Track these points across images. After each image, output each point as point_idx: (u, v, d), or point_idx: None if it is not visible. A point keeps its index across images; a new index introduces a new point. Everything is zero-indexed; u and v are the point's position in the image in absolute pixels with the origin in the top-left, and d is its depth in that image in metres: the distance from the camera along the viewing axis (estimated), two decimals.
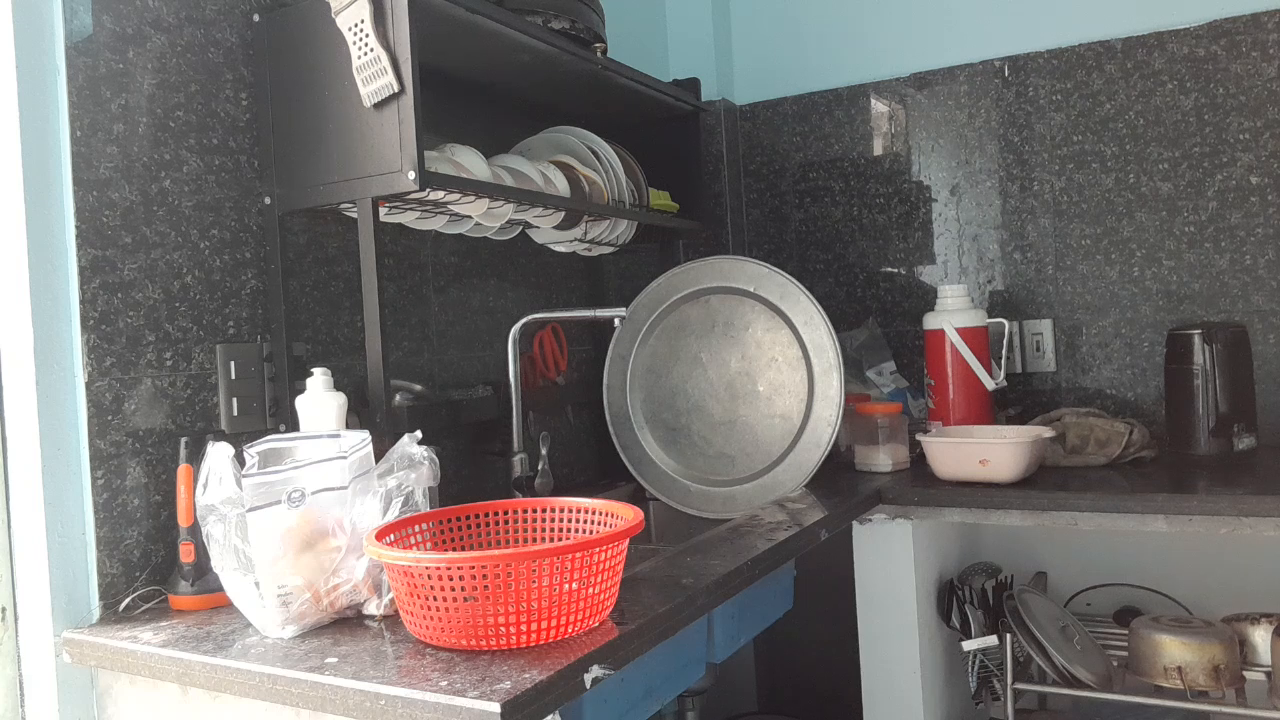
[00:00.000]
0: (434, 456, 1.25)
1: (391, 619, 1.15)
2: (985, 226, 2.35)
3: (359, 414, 1.46)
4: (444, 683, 0.92)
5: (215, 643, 1.10)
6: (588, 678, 0.98)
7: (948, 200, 2.39)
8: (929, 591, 1.89)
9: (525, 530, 1.26)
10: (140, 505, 1.29)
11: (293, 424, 1.40)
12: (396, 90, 1.32)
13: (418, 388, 1.67)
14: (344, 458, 1.16)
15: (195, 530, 1.20)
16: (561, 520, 1.25)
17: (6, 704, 1.24)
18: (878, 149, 2.47)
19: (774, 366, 1.94)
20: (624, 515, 1.15)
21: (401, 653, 1.03)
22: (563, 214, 1.82)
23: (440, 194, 1.51)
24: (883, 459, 1.96)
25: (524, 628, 1.01)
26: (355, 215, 1.40)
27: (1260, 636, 1.75)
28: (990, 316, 2.14)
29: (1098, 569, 2.18)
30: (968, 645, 1.85)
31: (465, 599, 0.99)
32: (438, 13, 1.44)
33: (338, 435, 1.23)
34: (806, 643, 2.30)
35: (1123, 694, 1.78)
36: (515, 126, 2.00)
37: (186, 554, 1.25)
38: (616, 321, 1.90)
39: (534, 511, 1.26)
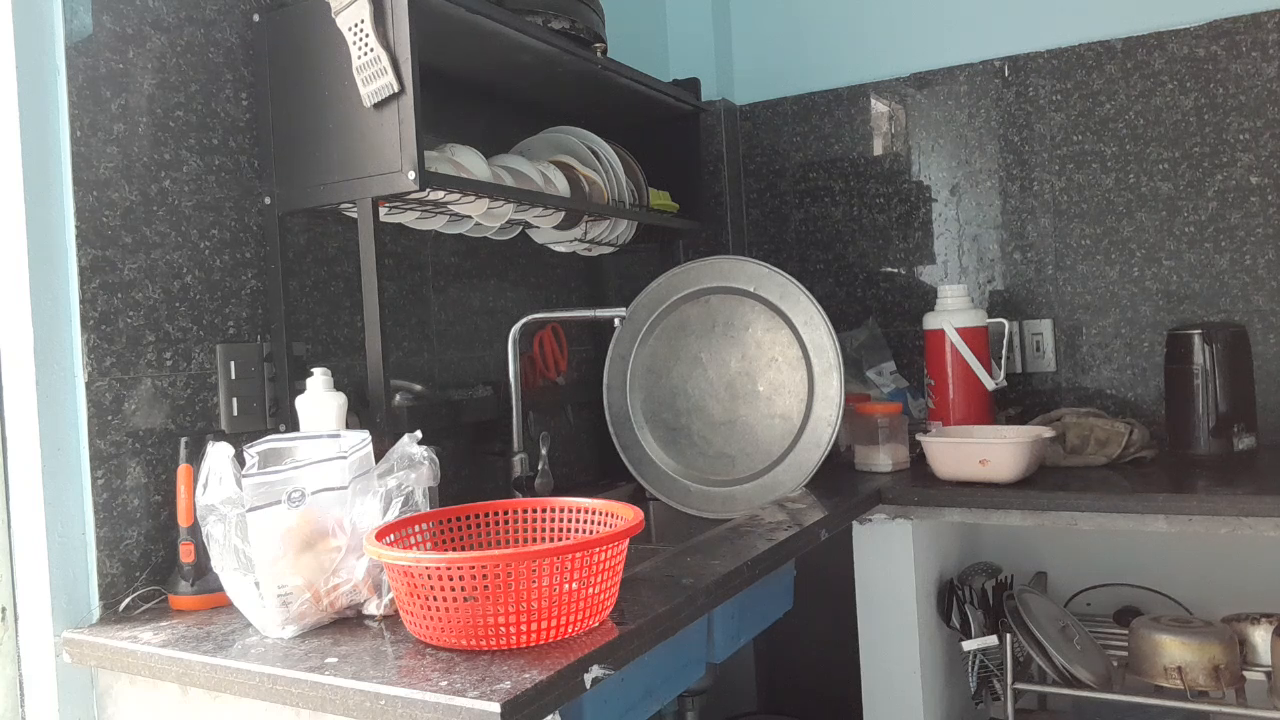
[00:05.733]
0: (434, 456, 1.25)
1: (391, 619, 1.15)
2: (985, 226, 2.35)
3: (359, 414, 1.46)
4: (444, 683, 0.92)
5: (215, 643, 1.10)
6: (588, 678, 0.98)
7: (948, 200, 2.39)
8: (929, 591, 1.89)
9: (525, 530, 1.26)
10: (140, 505, 1.29)
11: (293, 424, 1.40)
12: (396, 90, 1.32)
13: (418, 388, 1.67)
14: (344, 458, 1.16)
15: (195, 530, 1.20)
16: (561, 520, 1.25)
17: (6, 704, 1.24)
18: (878, 149, 2.47)
19: (774, 366, 1.94)
20: (624, 515, 1.15)
21: (401, 653, 1.03)
22: (563, 214, 1.82)
23: (440, 194, 1.51)
24: (883, 459, 1.96)
25: (524, 628, 1.01)
26: (355, 215, 1.40)
27: (1260, 636, 1.75)
28: (990, 316, 2.14)
29: (1098, 569, 2.18)
30: (968, 645, 1.85)
31: (465, 599, 0.99)
32: (438, 13, 1.44)
33: (338, 435, 1.23)
34: (806, 643, 2.30)
35: (1123, 694, 1.78)
36: (515, 126, 2.00)
37: (186, 554, 1.25)
38: (616, 321, 1.90)
39: (534, 511, 1.26)
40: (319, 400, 1.34)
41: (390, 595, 1.15)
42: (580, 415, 2.17)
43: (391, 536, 1.14)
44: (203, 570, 1.24)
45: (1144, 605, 2.10)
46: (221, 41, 1.44)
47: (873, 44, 2.47)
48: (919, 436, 1.90)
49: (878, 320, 2.45)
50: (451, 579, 0.99)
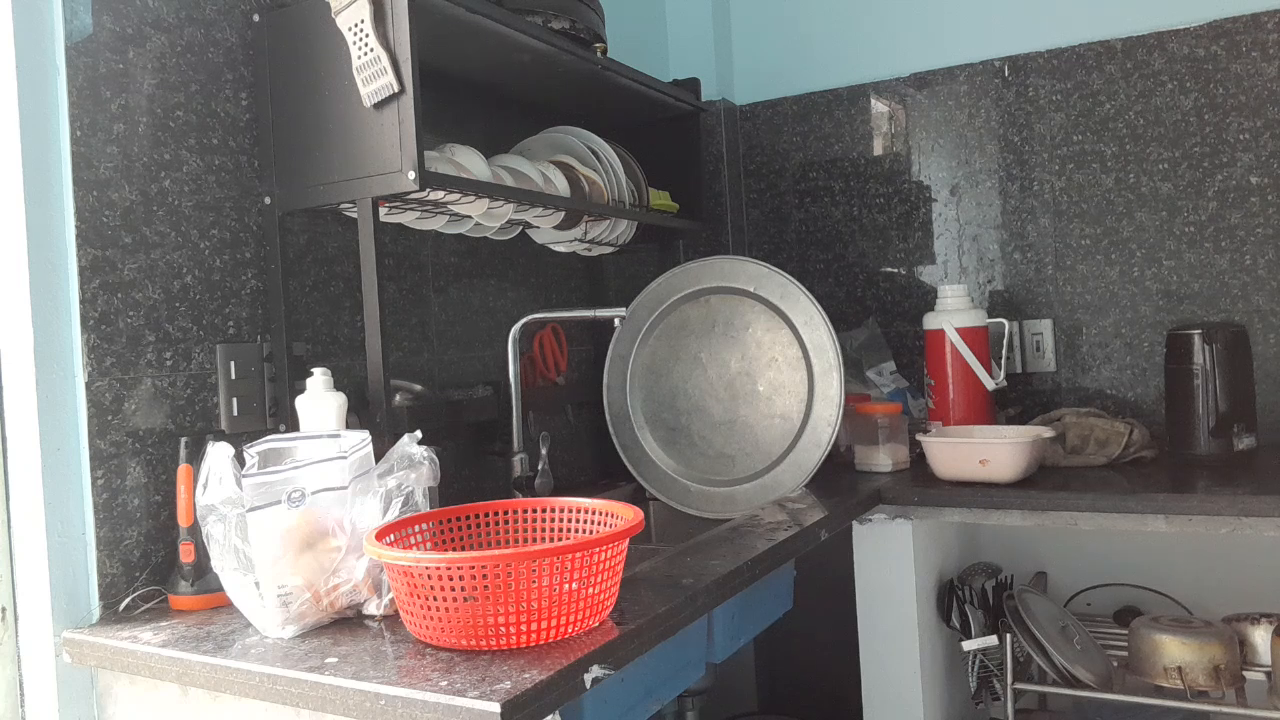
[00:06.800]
0: (434, 456, 1.25)
1: (391, 619, 1.15)
2: (985, 226, 2.35)
3: (359, 414, 1.46)
4: (444, 683, 0.92)
5: (215, 643, 1.10)
6: (588, 678, 0.98)
7: (948, 200, 2.39)
8: (929, 591, 1.89)
9: (525, 530, 1.26)
10: (140, 505, 1.29)
11: (293, 424, 1.40)
12: (396, 90, 1.32)
13: (418, 388, 1.67)
14: (344, 458, 1.16)
15: (195, 530, 1.20)
16: (561, 520, 1.25)
17: (6, 704, 1.24)
18: (878, 149, 2.47)
19: (774, 366, 1.94)
20: (624, 515, 1.15)
21: (401, 653, 1.03)
22: (563, 214, 1.82)
23: (440, 194, 1.51)
24: (883, 459, 1.96)
25: (524, 628, 1.01)
26: (355, 215, 1.40)
27: (1260, 636, 1.75)
28: (990, 316, 2.14)
29: (1098, 569, 2.18)
30: (968, 645, 1.85)
31: (465, 599, 0.99)
32: (438, 13, 1.44)
33: (338, 435, 1.23)
34: (806, 643, 2.30)
35: (1123, 694, 1.78)
36: (515, 126, 2.00)
37: (186, 554, 1.25)
38: (616, 321, 1.90)
39: (534, 511, 1.26)
40: (319, 400, 1.33)
41: (390, 595, 1.15)
42: (580, 415, 2.17)
43: (391, 536, 1.14)
44: (203, 570, 1.24)
45: (1144, 605, 2.10)
46: (221, 41, 1.44)
47: (873, 44, 2.47)
48: (919, 436, 1.90)
49: (878, 320, 2.45)
50: (451, 579, 0.99)
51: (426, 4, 1.39)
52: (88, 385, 1.24)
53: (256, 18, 1.47)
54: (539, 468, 1.80)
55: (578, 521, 1.23)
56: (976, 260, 2.36)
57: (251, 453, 1.17)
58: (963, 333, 2.07)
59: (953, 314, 2.09)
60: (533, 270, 2.08)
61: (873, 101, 2.47)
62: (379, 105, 1.35)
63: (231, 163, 1.44)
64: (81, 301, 1.24)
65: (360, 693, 0.94)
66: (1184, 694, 1.71)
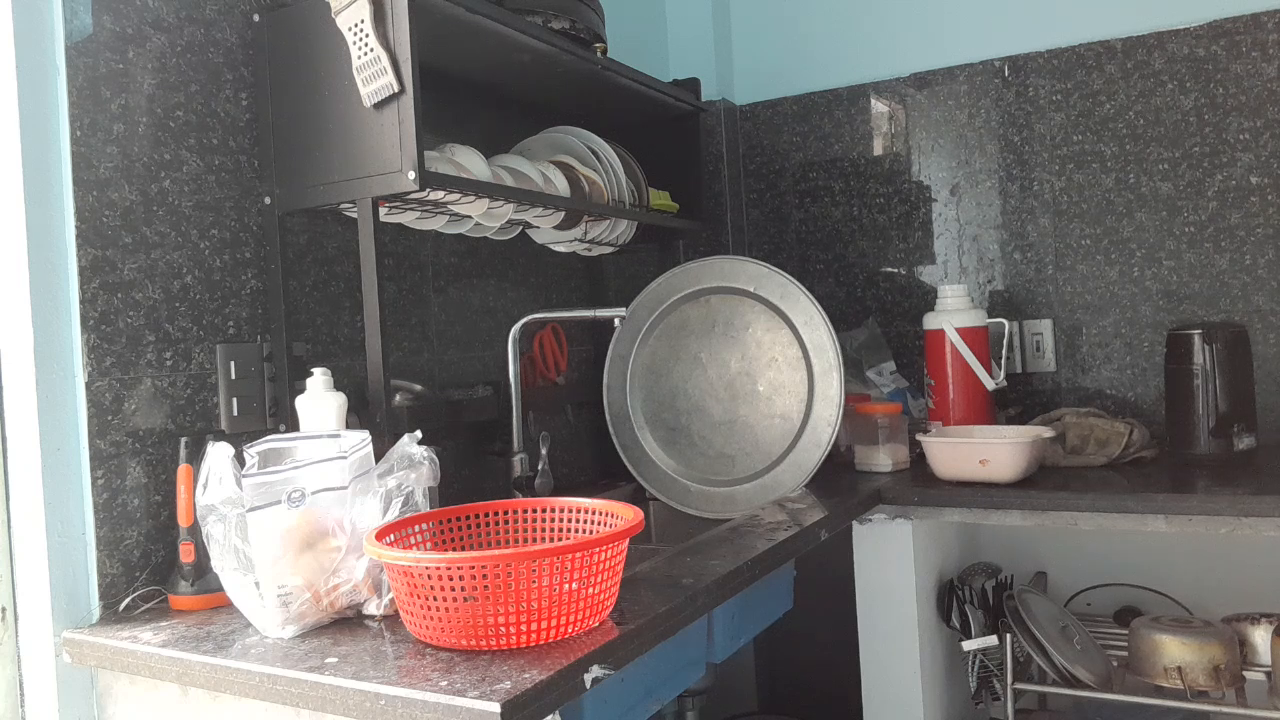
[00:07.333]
0: (434, 456, 1.25)
1: (391, 619, 1.15)
2: (985, 226, 2.35)
3: (359, 414, 1.46)
4: (444, 683, 0.92)
5: (215, 643, 1.10)
6: (588, 678, 0.98)
7: (948, 200, 2.39)
8: (929, 591, 1.89)
9: (525, 530, 1.26)
10: (140, 505, 1.29)
11: (293, 424, 1.40)
12: (396, 90, 1.32)
13: (418, 388, 1.67)
14: (344, 458, 1.16)
15: (195, 530, 1.20)
16: (561, 520, 1.25)
17: (6, 704, 1.24)
18: (878, 149, 2.47)
19: (774, 366, 1.94)
20: (624, 515, 1.15)
21: (401, 653, 1.03)
22: (563, 214, 1.82)
23: (440, 194, 1.51)
24: (883, 459, 1.96)
25: (524, 628, 1.01)
26: (355, 215, 1.40)
27: (1260, 636, 1.75)
28: (990, 316, 2.14)
29: (1098, 569, 2.18)
30: (968, 645, 1.85)
31: (465, 599, 0.99)
32: (438, 13, 1.44)
33: (338, 435, 1.23)
34: (806, 643, 2.30)
35: (1123, 694, 1.78)
36: (515, 126, 2.00)
37: (186, 554, 1.25)
38: (616, 321, 1.90)
39: (534, 511, 1.26)
40: (319, 400, 1.33)
41: (390, 595, 1.15)
42: (580, 415, 2.17)
43: (391, 536, 1.14)
44: (203, 570, 1.24)
45: (1144, 605, 2.10)
46: (221, 41, 1.44)
47: (873, 44, 2.47)
48: (919, 436, 1.90)
49: (878, 320, 2.45)
50: (451, 579, 0.99)
51: (426, 4, 1.39)
52: (88, 385, 1.24)
53: (256, 18, 1.47)
54: (539, 468, 1.80)
55: (578, 521, 1.23)
56: (976, 260, 2.36)
57: (251, 453, 1.17)
58: (963, 333, 2.07)
59: (953, 314, 2.09)
60: (533, 270, 2.08)
61: (873, 101, 2.47)
62: (379, 105, 1.35)
63: (231, 163, 1.44)
64: (81, 301, 1.24)
65: (360, 693, 0.94)
66: (1184, 694, 1.71)
